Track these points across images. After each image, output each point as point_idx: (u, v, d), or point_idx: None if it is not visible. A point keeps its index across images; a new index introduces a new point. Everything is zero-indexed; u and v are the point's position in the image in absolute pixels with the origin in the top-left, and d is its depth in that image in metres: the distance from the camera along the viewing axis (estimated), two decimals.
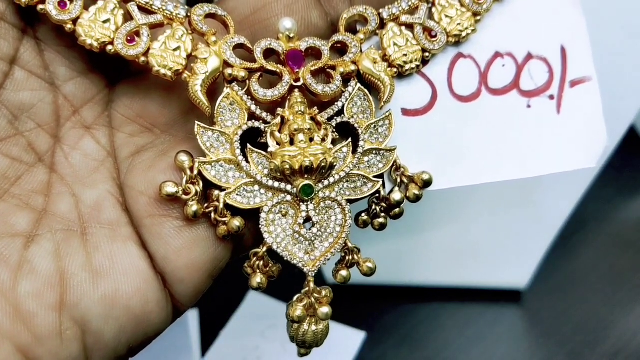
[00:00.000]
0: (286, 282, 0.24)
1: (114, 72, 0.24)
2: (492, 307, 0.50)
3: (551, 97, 0.25)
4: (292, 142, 0.23)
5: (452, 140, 0.25)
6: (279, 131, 0.23)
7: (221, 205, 0.23)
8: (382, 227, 0.25)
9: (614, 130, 0.38)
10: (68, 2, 0.22)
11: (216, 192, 0.23)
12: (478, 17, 0.25)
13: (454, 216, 0.48)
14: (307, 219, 0.23)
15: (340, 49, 0.25)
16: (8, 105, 0.23)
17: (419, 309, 0.50)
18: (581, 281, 0.51)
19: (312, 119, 0.23)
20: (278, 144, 0.23)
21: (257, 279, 0.23)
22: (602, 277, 0.51)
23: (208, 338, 0.50)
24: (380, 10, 0.25)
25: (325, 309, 0.23)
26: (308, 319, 0.24)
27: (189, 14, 0.23)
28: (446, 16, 0.25)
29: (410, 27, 0.25)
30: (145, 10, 0.23)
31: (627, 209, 0.54)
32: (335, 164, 0.23)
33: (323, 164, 0.23)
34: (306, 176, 0.23)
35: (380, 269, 0.25)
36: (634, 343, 0.45)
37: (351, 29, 0.26)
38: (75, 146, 0.24)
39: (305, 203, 0.23)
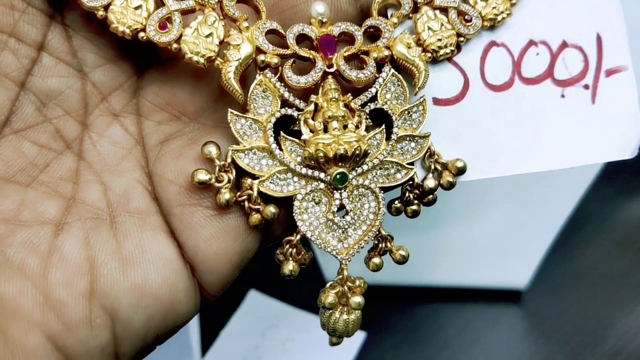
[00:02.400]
0: (287, 282, 0.24)
1: (142, 59, 0.24)
2: (492, 307, 0.51)
3: (586, 87, 0.25)
4: (325, 130, 0.23)
5: (484, 131, 0.24)
6: (313, 118, 0.23)
7: (255, 193, 0.23)
8: (415, 214, 0.24)
9: None
10: None
11: (249, 180, 0.23)
12: (514, 1, 0.25)
13: (454, 217, 0.48)
14: (341, 207, 0.23)
15: (373, 34, 0.24)
16: (36, 91, 0.23)
17: (419, 309, 0.50)
18: (581, 281, 0.51)
19: (346, 105, 0.23)
20: (311, 131, 0.23)
21: (290, 266, 0.23)
22: (602, 277, 0.51)
23: (208, 338, 0.50)
24: None
25: (357, 299, 0.23)
26: (340, 307, 0.24)
27: None
28: None
29: (444, 10, 0.25)
30: None
31: (627, 209, 0.54)
32: (369, 151, 0.23)
33: (357, 152, 0.22)
34: (340, 164, 0.23)
35: None
36: (634, 343, 0.45)
37: (381, 14, 0.25)
38: (104, 134, 0.24)
39: (339, 191, 0.23)
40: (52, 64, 0.23)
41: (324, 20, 0.23)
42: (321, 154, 0.22)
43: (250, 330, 0.51)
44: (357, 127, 0.23)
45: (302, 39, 0.24)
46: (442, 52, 0.24)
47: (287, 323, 0.50)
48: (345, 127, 0.23)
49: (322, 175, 0.23)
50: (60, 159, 0.23)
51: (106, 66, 0.24)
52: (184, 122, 0.24)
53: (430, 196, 0.24)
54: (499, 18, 0.25)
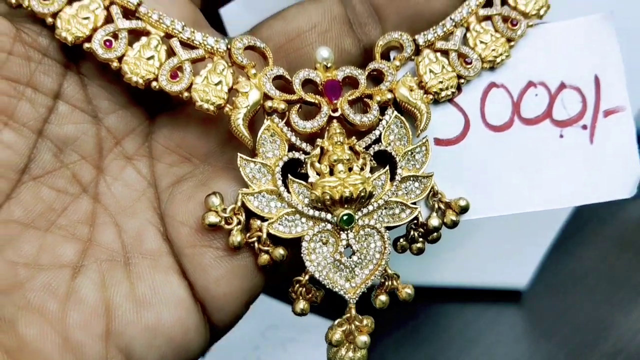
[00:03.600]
0: (287, 282, 0.25)
1: (154, 104, 0.25)
2: (492, 307, 0.50)
3: (584, 127, 0.25)
4: (331, 172, 0.23)
5: (484, 170, 0.25)
6: (319, 162, 0.24)
7: (264, 235, 0.23)
8: (420, 251, 0.25)
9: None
10: (113, 40, 0.23)
11: (258, 222, 0.23)
12: (512, 43, 0.26)
13: None
14: (347, 247, 0.24)
15: (376, 77, 0.25)
16: (53, 138, 0.23)
17: (419, 309, 0.50)
18: (581, 281, 0.50)
19: (351, 148, 0.24)
20: (318, 174, 0.24)
21: (300, 305, 0.24)
22: (602, 277, 0.50)
23: None
24: (416, 37, 0.25)
25: (364, 338, 0.24)
26: (347, 345, 0.24)
27: (229, 47, 0.24)
28: (481, 42, 0.25)
29: (445, 53, 0.25)
30: (186, 45, 0.24)
31: (627, 209, 0.53)
32: (374, 192, 0.24)
33: (362, 194, 0.23)
34: (346, 206, 0.23)
35: None
36: (634, 343, 0.45)
37: (384, 55, 0.26)
38: (118, 176, 0.25)
39: (346, 232, 0.24)
40: (68, 112, 0.24)
41: (329, 65, 0.24)
42: (328, 197, 0.23)
43: (250, 330, 0.51)
44: (362, 169, 0.24)
45: (307, 82, 0.24)
46: (443, 94, 0.25)
47: (287, 323, 0.50)
48: (350, 169, 0.24)
49: (329, 216, 0.24)
50: (76, 202, 0.24)
51: (119, 112, 0.25)
52: (194, 163, 0.25)
53: (435, 234, 0.25)
54: (498, 60, 0.25)
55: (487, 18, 0.26)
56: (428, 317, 0.49)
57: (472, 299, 0.51)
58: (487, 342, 0.47)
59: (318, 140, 0.24)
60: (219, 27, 0.35)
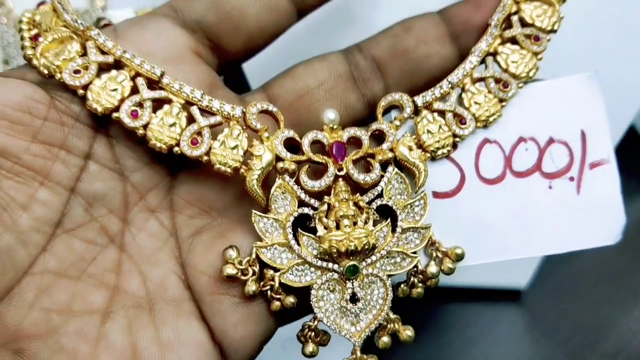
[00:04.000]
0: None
1: (175, 162, 0.27)
2: (492, 307, 0.50)
3: (571, 179, 0.27)
4: (338, 227, 0.26)
5: (479, 220, 0.27)
6: (326, 217, 0.26)
7: (276, 284, 0.26)
8: (420, 295, 0.27)
9: (613, 130, 0.38)
10: (139, 110, 0.25)
11: (270, 272, 0.26)
12: (504, 103, 0.28)
13: None
14: (353, 295, 0.26)
15: (378, 136, 0.27)
16: (84, 195, 0.26)
17: (419, 308, 0.50)
18: (581, 281, 0.50)
19: (355, 204, 0.26)
20: (326, 228, 0.26)
21: (310, 348, 0.26)
22: (602, 277, 0.50)
23: None
24: (415, 98, 0.27)
25: None
26: None
27: (244, 112, 0.26)
28: (475, 102, 0.28)
29: (442, 113, 0.28)
30: (205, 111, 0.26)
31: (627, 209, 0.53)
32: (376, 244, 0.26)
33: (366, 247, 0.25)
34: (351, 257, 0.26)
35: None
36: (634, 343, 0.45)
37: (386, 111, 0.28)
38: (142, 227, 0.27)
39: (351, 280, 0.26)
40: (97, 171, 0.26)
41: (335, 126, 0.27)
42: (334, 250, 0.25)
43: None
44: (365, 222, 0.26)
45: (315, 142, 0.27)
46: (440, 152, 0.27)
47: None
48: (355, 223, 0.26)
49: (335, 266, 0.26)
50: (104, 252, 0.26)
51: (144, 169, 0.27)
52: (212, 216, 0.27)
53: (433, 280, 0.27)
54: (491, 119, 0.28)
55: (481, 79, 0.28)
56: (428, 317, 0.49)
57: (472, 298, 0.51)
58: (487, 341, 0.47)
59: (325, 197, 0.26)
60: (241, 79, 0.38)
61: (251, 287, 0.25)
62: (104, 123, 0.26)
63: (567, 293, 0.50)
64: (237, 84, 0.34)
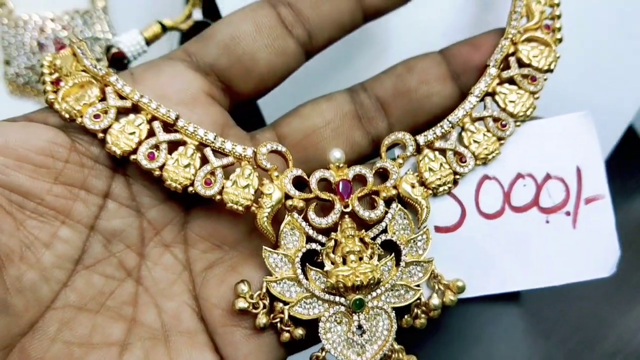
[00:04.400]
0: None
1: (189, 199, 0.29)
2: (491, 307, 0.50)
3: (567, 214, 0.29)
4: (344, 262, 0.27)
5: (479, 254, 0.28)
6: (333, 252, 0.27)
7: (286, 317, 0.27)
8: (423, 326, 0.28)
9: (613, 130, 0.39)
10: (155, 152, 0.27)
11: (280, 305, 0.27)
12: (502, 142, 0.29)
13: None
14: (359, 326, 0.27)
15: (382, 173, 0.29)
16: (103, 232, 0.27)
17: None
18: (581, 281, 0.51)
19: (361, 239, 0.27)
20: (333, 263, 0.27)
21: None
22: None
23: None
24: (417, 137, 0.29)
25: None
26: None
27: (255, 152, 0.27)
28: (474, 141, 0.29)
29: (443, 151, 0.29)
30: (218, 152, 0.27)
31: (626, 209, 0.53)
32: (381, 278, 0.27)
33: (372, 281, 0.27)
34: (357, 291, 0.27)
35: None
36: (634, 343, 0.45)
37: (389, 147, 0.29)
38: (157, 261, 0.28)
39: (357, 313, 0.27)
40: (115, 208, 0.27)
41: (340, 165, 0.28)
42: (341, 285, 0.26)
43: None
44: (371, 257, 0.27)
45: (322, 180, 0.28)
46: (441, 189, 0.28)
47: None
48: (361, 258, 0.27)
49: (342, 300, 0.27)
50: (122, 286, 0.27)
51: (159, 206, 0.28)
52: (224, 250, 0.29)
53: (435, 311, 0.28)
54: (490, 157, 0.29)
55: (480, 119, 0.29)
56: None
57: (472, 298, 0.51)
58: (487, 341, 0.47)
59: (332, 233, 0.27)
60: (256, 113, 0.39)
61: (262, 319, 0.27)
62: (121, 163, 0.27)
63: (566, 292, 0.49)
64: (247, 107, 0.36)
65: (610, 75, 0.38)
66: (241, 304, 0.27)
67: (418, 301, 0.28)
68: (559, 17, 0.31)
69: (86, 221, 0.27)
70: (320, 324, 0.27)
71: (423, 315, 0.28)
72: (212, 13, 0.39)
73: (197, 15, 0.40)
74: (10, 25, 0.44)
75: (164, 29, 0.38)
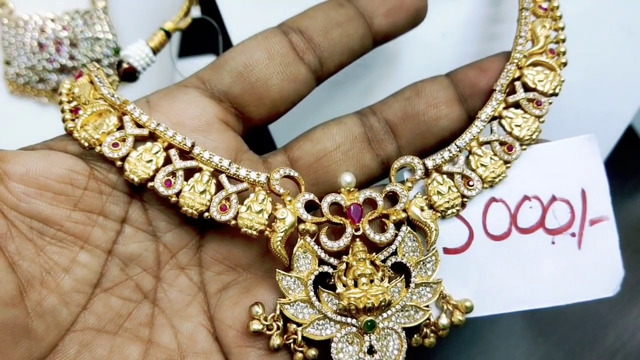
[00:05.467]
0: None
1: (204, 223, 0.29)
2: None
3: (573, 235, 0.29)
4: (355, 284, 0.28)
5: (486, 274, 0.29)
6: (345, 275, 0.28)
7: (299, 338, 0.28)
8: (432, 345, 0.29)
9: (613, 130, 0.40)
10: (172, 179, 0.27)
11: (293, 326, 0.28)
12: (509, 165, 0.30)
13: None
14: (370, 347, 0.28)
15: (392, 196, 0.29)
16: (120, 256, 0.28)
17: None
18: (586, 300, 0.50)
19: (372, 262, 0.28)
20: (344, 285, 0.28)
21: None
22: None
23: None
24: (425, 161, 0.29)
25: None
26: None
27: (268, 178, 0.28)
28: (481, 164, 0.30)
29: (451, 174, 0.30)
30: (233, 178, 0.28)
31: (626, 209, 0.53)
32: (392, 300, 0.28)
33: (383, 303, 0.27)
34: (369, 313, 0.28)
35: None
36: (633, 342, 0.45)
37: (398, 170, 0.30)
38: (173, 284, 0.29)
39: (368, 334, 0.28)
40: (132, 233, 0.28)
41: (351, 189, 0.29)
42: (353, 307, 0.27)
43: None
44: (381, 279, 0.28)
45: (334, 204, 0.29)
46: (449, 212, 0.29)
47: None
48: (372, 281, 0.28)
49: (354, 321, 0.28)
50: (139, 308, 0.28)
51: (175, 230, 0.29)
52: (238, 272, 0.30)
53: (444, 331, 0.29)
54: (497, 180, 0.30)
55: (487, 142, 0.30)
56: None
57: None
58: (486, 340, 0.47)
59: (344, 256, 0.28)
60: (266, 135, 0.40)
61: (276, 341, 0.27)
62: (138, 189, 0.28)
63: None
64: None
65: (610, 75, 0.38)
66: (256, 325, 0.27)
67: (427, 321, 0.29)
68: (563, 40, 0.32)
69: (104, 246, 0.27)
70: (333, 344, 0.28)
71: (432, 335, 0.29)
72: (210, 10, 0.39)
73: (196, 12, 0.40)
74: (10, 25, 0.44)
75: (168, 35, 0.38)
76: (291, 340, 0.28)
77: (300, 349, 0.28)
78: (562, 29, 0.32)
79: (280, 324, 0.28)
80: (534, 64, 0.31)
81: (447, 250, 0.29)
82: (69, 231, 0.26)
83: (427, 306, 0.29)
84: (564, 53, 0.32)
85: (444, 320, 0.29)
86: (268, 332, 0.28)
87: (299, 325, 0.28)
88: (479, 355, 0.47)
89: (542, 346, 0.46)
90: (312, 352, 0.28)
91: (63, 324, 0.26)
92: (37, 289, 0.25)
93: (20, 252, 0.25)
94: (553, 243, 0.30)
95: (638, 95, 0.39)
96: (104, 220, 0.27)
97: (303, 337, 0.28)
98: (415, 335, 0.29)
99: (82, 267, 0.27)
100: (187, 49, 0.48)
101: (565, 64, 0.32)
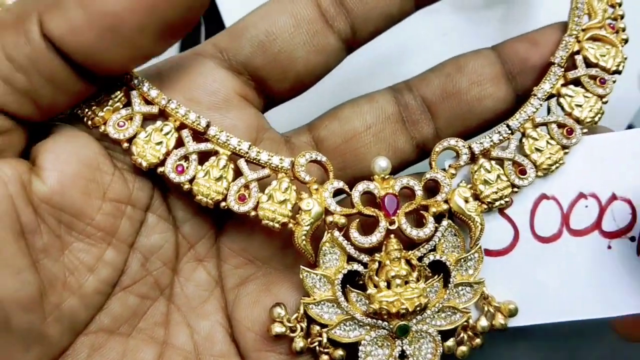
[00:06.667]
0: None
1: (221, 212, 0.26)
2: None
3: (632, 239, 0.26)
4: (388, 285, 0.25)
5: (531, 280, 0.26)
6: (377, 275, 0.25)
7: (324, 340, 0.25)
8: (464, 356, 0.26)
9: (613, 130, 0.37)
10: (184, 164, 0.24)
11: (317, 328, 0.25)
12: (567, 150, 0.26)
13: None
14: (402, 352, 0.25)
15: (432, 185, 0.26)
16: (142, 249, 0.25)
17: None
18: None
19: (407, 261, 0.25)
20: (375, 286, 0.25)
21: None
22: None
23: None
24: (472, 145, 0.26)
25: None
26: None
27: (292, 163, 0.25)
28: (536, 149, 0.26)
29: (499, 160, 0.26)
30: (252, 163, 0.25)
31: None
32: (428, 303, 0.25)
33: (418, 308, 0.24)
34: (402, 318, 0.25)
35: None
36: (632, 344, 0.45)
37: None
38: (190, 277, 0.26)
39: (400, 339, 0.25)
40: (155, 223, 0.25)
41: (386, 176, 0.25)
42: (385, 311, 0.24)
43: None
44: (417, 280, 0.25)
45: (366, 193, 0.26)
46: (497, 203, 0.26)
47: None
48: (406, 282, 0.25)
49: (385, 324, 0.25)
50: (155, 306, 0.26)
51: (192, 220, 0.26)
52: (257, 265, 0.27)
53: (479, 340, 0.26)
54: (553, 168, 0.26)
55: (543, 124, 0.26)
56: None
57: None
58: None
59: (376, 255, 0.25)
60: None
61: (299, 343, 0.25)
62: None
63: None
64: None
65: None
66: (278, 328, 0.25)
67: (465, 323, 0.26)
68: (622, 17, 0.28)
69: (129, 239, 0.25)
70: (361, 347, 0.25)
71: (468, 343, 0.26)
72: (210, 10, 0.38)
73: None
74: None
75: None
76: (316, 343, 0.25)
77: (326, 350, 0.25)
78: (620, 4, 0.28)
79: (304, 325, 0.25)
80: (593, 39, 0.27)
81: (488, 252, 0.26)
82: (99, 225, 0.23)
83: (466, 308, 0.26)
84: (623, 29, 0.28)
85: (483, 323, 0.26)
86: (291, 335, 0.25)
87: (323, 326, 0.25)
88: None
89: (542, 346, 0.45)
90: (340, 352, 0.25)
91: (79, 326, 0.24)
92: (58, 292, 0.23)
93: (46, 250, 0.22)
94: (609, 247, 0.26)
95: (638, 96, 0.37)
96: (132, 210, 0.24)
97: (328, 339, 0.25)
98: (449, 340, 0.26)
99: (107, 265, 0.24)
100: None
101: (626, 41, 0.28)
